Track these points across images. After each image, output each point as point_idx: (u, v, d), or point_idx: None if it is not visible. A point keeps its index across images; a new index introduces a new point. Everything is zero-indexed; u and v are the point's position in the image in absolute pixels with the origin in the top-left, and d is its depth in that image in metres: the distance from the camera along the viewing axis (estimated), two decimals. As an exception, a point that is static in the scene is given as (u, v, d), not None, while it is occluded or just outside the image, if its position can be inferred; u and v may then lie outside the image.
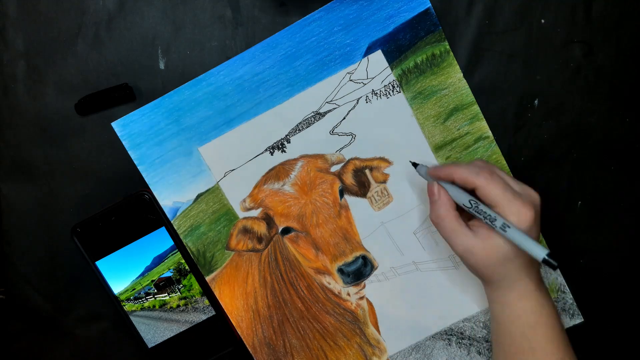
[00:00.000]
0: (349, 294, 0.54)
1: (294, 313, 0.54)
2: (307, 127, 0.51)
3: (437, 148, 0.52)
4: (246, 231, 0.52)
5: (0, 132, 0.51)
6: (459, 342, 0.55)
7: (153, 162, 0.51)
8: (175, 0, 0.50)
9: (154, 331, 0.53)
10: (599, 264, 0.54)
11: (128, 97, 0.50)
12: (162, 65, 0.50)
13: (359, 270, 0.53)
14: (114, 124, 0.50)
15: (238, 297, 0.53)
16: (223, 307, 0.53)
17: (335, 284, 0.53)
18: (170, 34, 0.50)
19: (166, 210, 0.51)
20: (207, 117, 0.50)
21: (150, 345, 0.53)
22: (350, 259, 0.53)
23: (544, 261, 0.40)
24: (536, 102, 0.52)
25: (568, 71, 0.51)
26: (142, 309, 0.52)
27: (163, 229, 0.51)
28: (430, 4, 0.49)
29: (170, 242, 0.51)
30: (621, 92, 0.52)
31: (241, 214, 0.52)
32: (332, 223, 0.52)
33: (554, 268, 0.39)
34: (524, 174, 0.53)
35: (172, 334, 0.53)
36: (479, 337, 0.55)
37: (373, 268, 0.53)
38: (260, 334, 0.54)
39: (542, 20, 0.50)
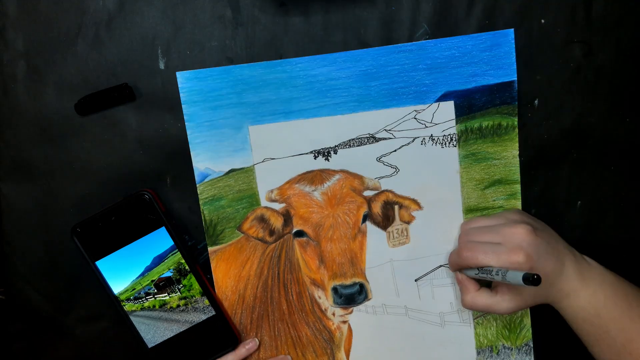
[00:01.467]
0: (334, 314, 0.54)
1: (276, 313, 0.54)
2: (357, 145, 0.51)
3: (468, 210, 0.53)
4: (262, 220, 0.53)
5: (0, 132, 0.51)
6: None
7: (201, 123, 0.51)
8: (175, 0, 0.50)
9: (154, 331, 0.53)
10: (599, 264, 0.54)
11: (128, 97, 0.50)
12: (162, 65, 0.50)
13: (353, 295, 0.53)
14: (178, 74, 0.50)
15: (230, 277, 0.53)
16: (214, 281, 0.53)
17: (326, 300, 0.54)
18: (170, 34, 0.50)
19: (195, 174, 0.51)
20: (269, 100, 0.50)
21: (150, 345, 0.53)
22: (348, 282, 0.53)
23: (524, 281, 0.42)
24: (536, 102, 0.52)
25: (568, 71, 0.51)
26: (142, 309, 0.52)
27: (163, 229, 0.51)
28: (516, 78, 0.50)
29: (170, 242, 0.51)
30: (621, 92, 0.52)
31: (264, 203, 0.52)
32: (344, 242, 0.53)
33: (536, 283, 0.41)
34: (524, 174, 0.53)
35: (172, 334, 0.53)
36: None
37: (366, 298, 0.54)
38: (237, 318, 0.54)
39: (542, 20, 0.50)
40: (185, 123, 0.51)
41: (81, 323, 0.54)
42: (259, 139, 0.51)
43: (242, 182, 0.52)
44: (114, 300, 0.52)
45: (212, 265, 0.53)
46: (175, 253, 0.51)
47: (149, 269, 0.52)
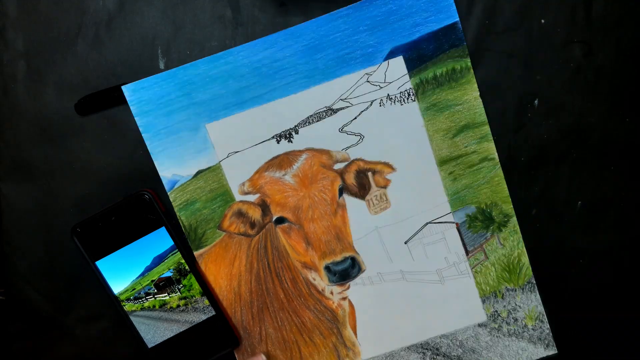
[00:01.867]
0: (332, 293, 0.54)
1: (275, 303, 0.54)
2: (317, 120, 0.51)
3: (442, 162, 0.52)
4: (240, 214, 0.52)
5: (0, 132, 0.51)
6: (433, 358, 0.55)
7: (159, 131, 0.51)
8: (175, 0, 0.50)
9: (154, 331, 0.53)
10: (599, 265, 0.54)
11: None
12: (162, 65, 0.50)
13: (346, 270, 0.53)
14: (124, 87, 0.49)
15: (223, 277, 0.53)
16: (207, 284, 0.53)
17: (320, 280, 0.53)
18: (170, 34, 0.50)
19: (164, 182, 0.51)
20: (220, 95, 0.50)
21: (150, 345, 0.53)
22: (339, 258, 0.52)
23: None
24: (536, 102, 0.52)
25: (568, 71, 0.51)
26: (142, 309, 0.52)
27: (163, 229, 0.51)
28: (458, 19, 0.49)
29: (170, 242, 0.51)
30: (621, 92, 0.52)
31: (238, 197, 0.52)
32: (326, 220, 0.52)
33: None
34: (524, 174, 0.53)
35: (172, 334, 0.53)
36: (454, 355, 0.55)
37: (360, 271, 0.53)
38: (238, 316, 0.54)
39: (542, 20, 0.50)
40: (142, 135, 0.50)
41: (81, 323, 0.54)
42: (218, 136, 0.51)
43: (212, 181, 0.52)
44: (114, 300, 0.52)
45: (202, 268, 0.53)
46: (175, 253, 0.51)
47: (149, 269, 0.52)
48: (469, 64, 0.50)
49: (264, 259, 0.53)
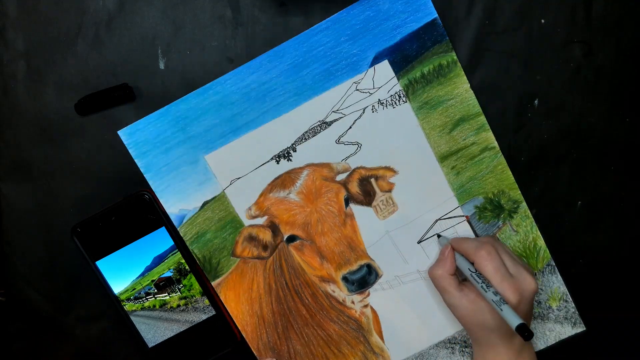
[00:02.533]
0: (353, 302, 0.54)
1: (299, 320, 0.54)
2: (313, 136, 0.51)
3: (442, 158, 0.52)
4: (251, 239, 0.52)
5: (0, 132, 0.51)
6: (462, 351, 0.55)
7: (160, 169, 0.51)
8: (175, 0, 0.50)
9: (154, 331, 0.53)
10: (599, 264, 0.54)
11: (128, 97, 0.50)
12: (162, 65, 0.50)
13: (364, 278, 0.53)
14: (120, 132, 0.50)
15: (243, 303, 0.53)
16: (229, 311, 0.53)
17: (340, 292, 0.53)
18: (170, 34, 0.50)
19: (172, 218, 0.51)
20: (214, 125, 0.50)
21: (150, 345, 0.53)
22: (355, 267, 0.53)
23: (517, 330, 0.42)
24: (536, 102, 0.52)
25: (568, 71, 0.51)
26: (142, 308, 0.52)
27: (163, 229, 0.51)
28: (436, 15, 0.49)
29: (170, 242, 0.51)
30: (621, 92, 0.52)
31: (247, 222, 0.52)
32: (337, 231, 0.52)
33: (526, 339, 0.42)
34: (524, 174, 0.53)
35: (172, 334, 0.53)
36: None
37: (378, 276, 0.54)
38: (265, 338, 0.54)
39: (542, 20, 0.50)
40: (144, 175, 0.51)
41: (81, 323, 0.54)
42: (218, 165, 0.51)
43: (219, 210, 0.52)
44: (114, 300, 0.52)
45: (222, 298, 0.53)
46: (175, 253, 0.51)
47: (149, 268, 0.52)
48: (455, 57, 0.50)
49: (281, 278, 0.53)
